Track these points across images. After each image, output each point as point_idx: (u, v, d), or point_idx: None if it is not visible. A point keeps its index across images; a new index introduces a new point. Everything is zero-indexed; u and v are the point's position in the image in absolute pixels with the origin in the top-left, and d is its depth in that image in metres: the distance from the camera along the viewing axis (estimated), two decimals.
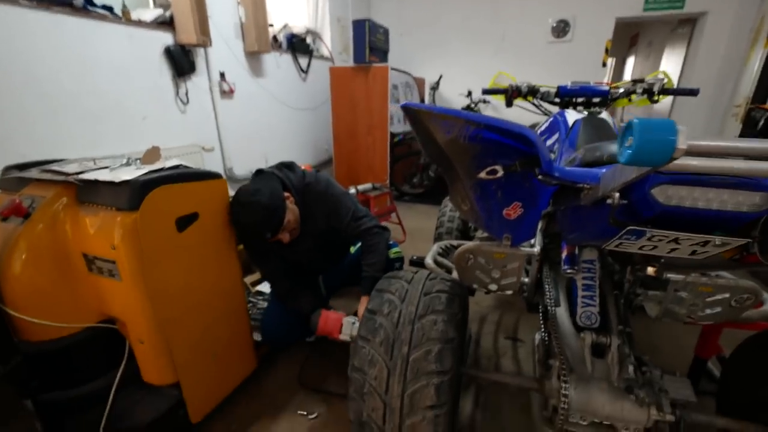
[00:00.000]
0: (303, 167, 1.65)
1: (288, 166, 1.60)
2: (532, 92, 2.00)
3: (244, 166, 3.61)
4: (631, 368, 1.10)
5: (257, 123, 3.79)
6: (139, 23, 2.61)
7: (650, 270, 1.15)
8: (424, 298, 1.12)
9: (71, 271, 1.17)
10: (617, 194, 0.80)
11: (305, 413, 1.54)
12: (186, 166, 1.26)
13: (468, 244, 1.41)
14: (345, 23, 5.12)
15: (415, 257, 1.89)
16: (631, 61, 7.63)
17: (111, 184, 1.08)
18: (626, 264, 1.30)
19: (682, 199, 0.76)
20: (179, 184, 1.20)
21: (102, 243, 1.11)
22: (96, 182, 1.10)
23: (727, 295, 1.10)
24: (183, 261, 1.26)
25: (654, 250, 0.89)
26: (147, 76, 2.71)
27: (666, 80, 1.84)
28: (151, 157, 1.22)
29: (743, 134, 3.54)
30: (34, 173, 1.21)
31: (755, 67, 3.87)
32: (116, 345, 1.29)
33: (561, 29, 5.13)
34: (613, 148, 0.99)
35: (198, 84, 3.09)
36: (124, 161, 1.23)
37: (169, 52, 2.78)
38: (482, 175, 0.93)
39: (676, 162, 0.52)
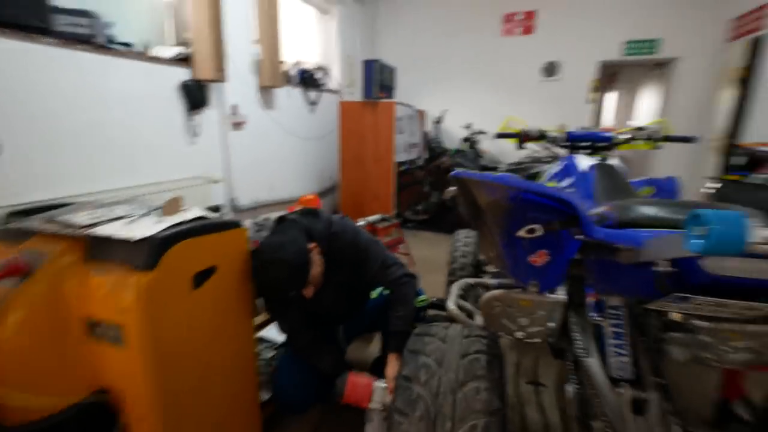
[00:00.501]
0: (310, 197, 1.47)
1: (313, 213, 1.42)
2: (542, 136, 1.92)
3: (248, 196, 3.44)
4: (677, 428, 0.95)
5: (265, 153, 3.65)
6: (158, 59, 2.48)
7: (677, 316, 1.03)
8: (462, 362, 0.96)
9: (68, 337, 0.98)
10: (667, 262, 0.74)
11: None
12: (205, 217, 1.10)
13: (495, 292, 1.26)
14: (353, 60, 5.07)
15: (435, 299, 1.72)
16: (611, 98, 7.68)
17: (126, 241, 0.91)
18: (650, 310, 1.17)
19: (733, 270, 0.70)
20: (200, 238, 1.03)
21: (110, 305, 0.93)
22: (109, 239, 0.93)
23: (755, 344, 1.01)
24: (196, 320, 1.08)
25: (697, 311, 0.82)
26: (160, 110, 2.56)
27: (664, 127, 1.81)
28: (172, 208, 1.06)
29: (722, 167, 3.52)
30: (38, 223, 1.03)
31: (726, 106, 3.87)
32: (109, 419, 1.07)
33: (550, 70, 5.14)
34: (647, 210, 0.91)
35: (210, 116, 2.95)
36: (144, 211, 1.06)
37: (185, 87, 2.64)
38: (521, 233, 0.86)
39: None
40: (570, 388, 1.24)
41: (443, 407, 0.87)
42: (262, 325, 1.66)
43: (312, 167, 4.45)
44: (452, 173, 0.87)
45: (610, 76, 7.57)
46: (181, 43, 2.73)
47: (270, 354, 1.69)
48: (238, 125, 3.18)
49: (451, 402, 0.88)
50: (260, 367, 1.50)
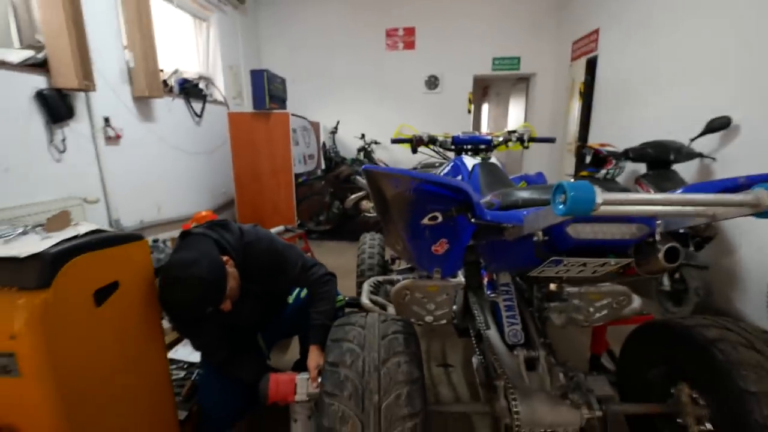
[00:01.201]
0: (204, 213, 1.45)
1: (221, 225, 1.38)
2: (432, 141, 2.17)
3: (132, 217, 3.14)
4: (561, 375, 1.20)
5: (148, 169, 3.36)
6: (3, 64, 2.16)
7: (552, 286, 1.32)
8: (382, 342, 1.08)
9: None
10: (540, 233, 0.97)
11: None
12: (102, 230, 1.04)
13: (404, 282, 1.43)
14: (237, 70, 4.95)
15: (347, 298, 1.83)
16: (485, 108, 8.78)
17: (10, 260, 0.83)
18: (531, 283, 1.45)
19: (587, 234, 0.93)
20: (98, 252, 0.98)
21: None
22: None
23: (609, 300, 1.34)
24: (101, 340, 1.01)
25: (567, 273, 1.06)
26: (11, 123, 2.22)
27: (530, 130, 2.20)
28: (58, 224, 0.98)
29: (577, 166, 4.30)
30: None
31: (575, 115, 4.76)
32: None
33: (432, 83, 5.70)
34: (523, 194, 1.14)
35: (77, 130, 2.64)
36: (20, 230, 0.96)
37: (41, 97, 2.33)
38: (425, 221, 1.02)
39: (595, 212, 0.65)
40: (475, 360, 1.45)
41: (370, 383, 0.97)
42: (170, 346, 1.58)
43: (203, 183, 4.21)
44: (363, 167, 0.98)
45: (483, 89, 8.69)
46: (31, 46, 2.41)
47: (182, 374, 1.61)
48: (112, 140, 2.89)
49: (377, 377, 0.98)
50: (174, 388, 1.42)
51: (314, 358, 1.31)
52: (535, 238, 0.96)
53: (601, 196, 0.64)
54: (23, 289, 0.85)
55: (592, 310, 1.38)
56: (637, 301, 1.52)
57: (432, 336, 2.32)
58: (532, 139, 2.12)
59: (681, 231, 2.32)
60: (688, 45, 2.96)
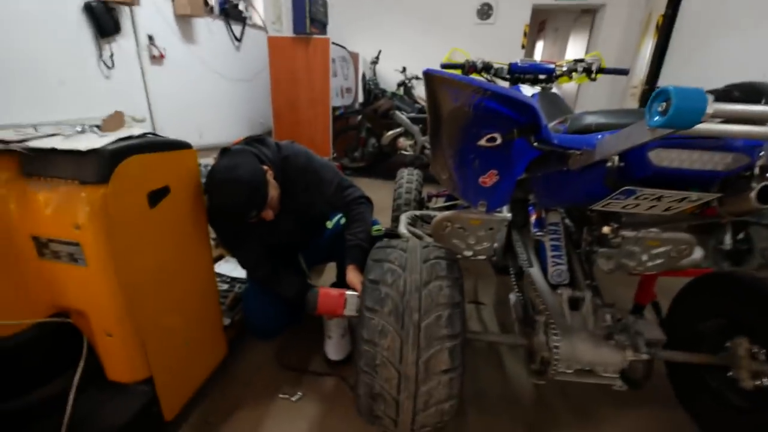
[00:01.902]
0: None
1: (259, 141, 1.39)
2: (486, 68, 2.02)
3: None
4: (608, 317, 1.17)
5: (190, 93, 3.39)
6: None
7: (606, 229, 1.23)
8: (424, 265, 1.08)
9: (15, 259, 0.94)
10: (616, 158, 0.86)
11: (287, 396, 1.42)
12: (155, 134, 1.06)
13: (445, 213, 1.40)
14: None
15: (384, 229, 1.84)
16: (539, 45, 8.10)
17: (72, 153, 0.86)
18: (582, 225, 1.38)
19: (672, 161, 0.81)
20: (151, 154, 1.00)
21: (61, 223, 0.90)
22: (51, 151, 0.88)
23: (669, 247, 1.24)
24: (155, 240, 1.07)
25: (636, 208, 0.95)
26: (64, 35, 2.25)
27: (600, 60, 1.98)
28: (114, 124, 1.01)
29: None
30: None
31: (647, 54, 4.31)
32: (72, 341, 1.08)
33: (485, 12, 5.25)
34: (597, 118, 1.03)
35: (124, 47, 2.66)
36: (79, 128, 1.00)
37: (89, 9, 2.33)
38: (482, 142, 0.95)
39: (698, 126, 0.55)
40: (513, 297, 1.45)
41: (410, 302, 0.99)
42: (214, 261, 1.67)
43: (242, 111, 4.24)
44: (424, 69, 0.90)
45: (539, 24, 7.95)
46: None
47: (225, 287, 1.72)
48: (156, 59, 2.90)
49: (417, 298, 1.00)
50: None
51: (355, 275, 1.33)
52: (609, 164, 0.86)
53: (713, 105, 0.54)
54: (84, 183, 0.89)
55: (646, 257, 1.30)
56: (698, 253, 1.42)
57: (466, 274, 2.34)
58: (601, 70, 1.92)
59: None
60: None
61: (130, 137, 0.97)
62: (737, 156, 0.80)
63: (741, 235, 2.30)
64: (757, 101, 2.41)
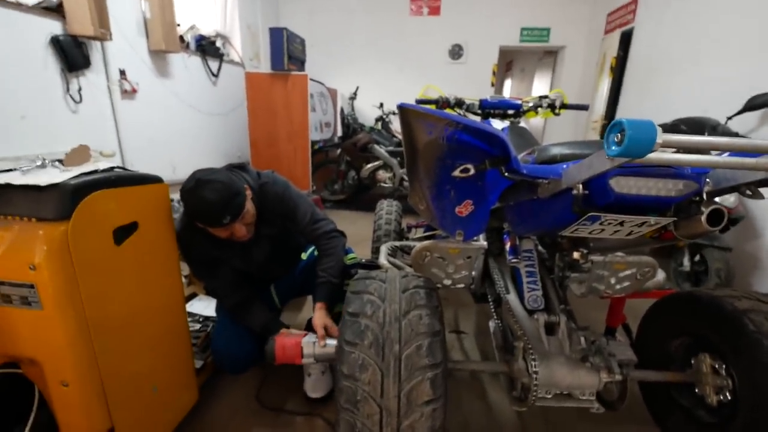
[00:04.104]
0: None
1: (240, 167, 1.39)
2: (458, 104, 2.10)
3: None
4: (582, 340, 1.18)
5: (163, 127, 3.34)
6: (18, 6, 2.12)
7: (576, 254, 1.27)
8: (403, 295, 1.06)
9: None
10: (581, 186, 0.90)
11: None
12: (122, 168, 1.02)
13: (424, 243, 1.42)
14: (255, 30, 4.84)
15: (364, 260, 1.81)
16: (508, 83, 8.52)
17: (30, 188, 0.82)
18: (554, 251, 1.41)
19: (630, 188, 0.87)
20: (118, 189, 0.96)
21: (15, 263, 0.83)
22: (6, 187, 0.83)
23: (634, 270, 1.32)
24: (120, 279, 1.01)
25: (601, 233, 1.00)
26: (27, 69, 2.20)
27: (563, 96, 2.10)
28: (78, 158, 0.96)
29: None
30: None
31: (604, 91, 4.59)
32: (21, 393, 0.99)
33: (456, 52, 5.51)
34: (561, 149, 1.08)
35: (93, 81, 2.61)
36: (38, 163, 0.95)
37: (57, 43, 2.29)
38: (456, 173, 0.97)
39: (650, 155, 0.59)
40: (492, 324, 1.44)
41: (390, 333, 0.96)
42: (186, 300, 1.60)
43: (218, 145, 4.19)
44: (398, 103, 0.93)
45: (507, 64, 8.41)
46: None
47: (197, 326, 1.63)
48: (128, 93, 2.86)
49: (398, 328, 0.97)
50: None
51: (320, 317, 1.30)
52: (574, 192, 0.90)
53: (661, 135, 0.58)
54: (42, 220, 0.84)
55: (614, 280, 1.37)
56: (661, 275, 1.49)
57: (445, 304, 2.32)
58: (564, 106, 2.03)
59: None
60: (734, 16, 2.78)
61: (95, 171, 0.93)
62: (687, 183, 0.86)
63: (697, 257, 2.41)
64: (701, 133, 2.59)
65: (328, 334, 1.26)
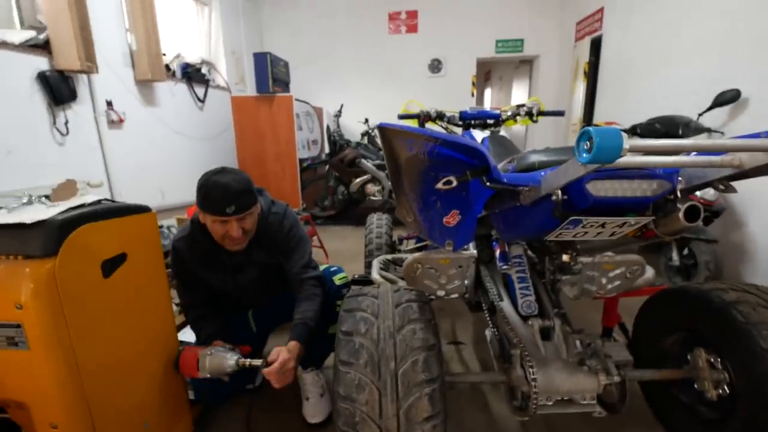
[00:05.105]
0: None
1: (259, 191, 1.39)
2: (440, 116, 2.11)
3: (136, 202, 3.09)
4: (578, 343, 1.17)
5: (151, 154, 3.32)
6: (5, 44, 2.10)
7: (565, 257, 1.27)
8: (396, 310, 1.04)
9: None
10: (560, 191, 0.90)
11: None
12: (109, 200, 1.00)
13: (415, 255, 1.40)
14: (239, 55, 4.87)
15: (356, 276, 1.79)
16: (488, 92, 8.64)
17: (16, 227, 0.79)
18: (544, 255, 1.41)
19: (607, 191, 0.88)
20: (105, 221, 0.94)
21: (0, 303, 0.81)
22: None
23: (623, 269, 1.31)
24: (109, 313, 0.98)
25: (585, 236, 1.00)
26: (13, 105, 2.18)
27: (539, 104, 2.13)
28: (65, 193, 0.94)
29: None
30: None
31: (580, 95, 4.67)
32: None
33: (435, 66, 5.60)
34: (539, 156, 1.09)
35: (80, 113, 2.59)
36: (25, 200, 0.92)
37: (43, 78, 2.28)
38: (439, 186, 0.97)
39: (620, 159, 0.60)
40: (488, 333, 1.42)
41: (385, 350, 0.94)
42: (178, 329, 1.55)
43: (207, 168, 4.13)
44: (378, 123, 0.93)
45: (485, 74, 8.54)
46: (32, 27, 2.35)
47: None
48: (115, 123, 2.84)
49: (392, 344, 0.95)
50: None
51: (286, 350, 1.21)
52: (554, 197, 0.90)
53: (628, 141, 0.60)
54: (29, 257, 0.82)
55: (605, 280, 1.35)
56: (650, 272, 1.48)
57: (442, 315, 2.29)
58: (541, 113, 2.05)
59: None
60: (694, 19, 2.87)
61: (82, 205, 0.91)
62: (660, 182, 0.87)
63: (686, 251, 2.43)
64: (675, 130, 2.64)
65: (275, 365, 1.17)
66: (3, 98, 2.12)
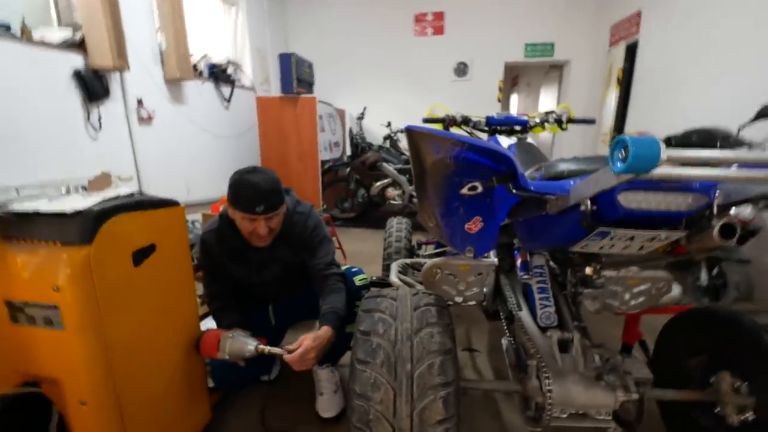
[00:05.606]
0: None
1: (286, 190, 1.46)
2: (465, 121, 2.12)
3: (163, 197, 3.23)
4: (596, 357, 1.16)
5: (178, 151, 3.46)
6: (44, 44, 2.24)
7: (588, 270, 1.26)
8: (415, 313, 1.06)
9: None
10: (589, 201, 0.89)
11: None
12: (142, 193, 1.07)
13: (435, 260, 1.41)
14: (264, 55, 5.01)
15: (375, 278, 1.82)
16: (514, 98, 8.58)
17: (56, 216, 0.86)
18: (566, 267, 1.40)
19: (639, 203, 0.86)
20: (137, 213, 1.00)
21: (40, 285, 0.87)
22: (33, 215, 0.87)
23: (648, 285, 1.27)
24: (138, 300, 1.04)
25: (611, 248, 0.99)
26: (53, 101, 2.32)
27: (568, 111, 2.10)
28: (101, 184, 1.01)
29: None
30: None
31: (612, 103, 4.59)
32: (41, 412, 1.02)
33: (461, 70, 5.60)
34: (568, 165, 1.09)
35: (112, 110, 2.73)
36: (64, 190, 1.00)
37: (79, 76, 2.42)
38: (464, 191, 0.99)
39: (656, 170, 0.59)
40: (505, 341, 1.42)
41: (402, 351, 0.96)
42: (200, 318, 1.62)
43: (231, 166, 4.23)
44: (406, 126, 0.96)
45: (512, 79, 8.49)
46: (70, 25, 2.50)
47: None
48: (145, 120, 2.98)
49: (409, 346, 0.97)
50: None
51: (315, 334, 1.27)
52: (582, 207, 0.90)
53: (666, 151, 0.58)
54: (67, 244, 0.88)
55: (628, 296, 1.32)
56: (677, 290, 1.44)
57: (458, 321, 2.30)
58: (570, 120, 2.03)
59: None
60: (738, 26, 2.79)
61: (116, 197, 0.97)
62: (696, 196, 0.85)
63: (715, 271, 2.36)
64: (713, 144, 2.56)
65: (298, 351, 1.23)
66: (43, 95, 2.26)
